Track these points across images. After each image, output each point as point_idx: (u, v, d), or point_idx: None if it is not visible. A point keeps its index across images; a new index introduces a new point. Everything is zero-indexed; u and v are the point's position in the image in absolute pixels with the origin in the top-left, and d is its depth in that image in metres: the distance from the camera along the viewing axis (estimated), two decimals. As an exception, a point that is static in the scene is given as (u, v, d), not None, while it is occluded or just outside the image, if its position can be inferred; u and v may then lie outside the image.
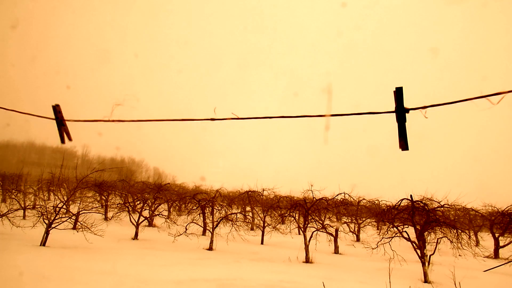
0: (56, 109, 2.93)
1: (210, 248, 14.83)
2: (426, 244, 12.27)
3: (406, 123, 1.61)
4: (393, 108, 1.60)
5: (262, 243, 18.35)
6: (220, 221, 15.62)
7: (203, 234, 18.77)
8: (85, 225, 13.16)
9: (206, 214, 18.64)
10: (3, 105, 3.16)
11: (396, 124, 1.61)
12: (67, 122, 2.97)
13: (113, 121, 2.67)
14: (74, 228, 14.70)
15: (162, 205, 22.40)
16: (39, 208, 13.82)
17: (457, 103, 1.52)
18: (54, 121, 3.00)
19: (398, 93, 1.55)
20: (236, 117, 2.13)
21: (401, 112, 1.55)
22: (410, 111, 1.56)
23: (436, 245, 12.37)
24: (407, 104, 1.56)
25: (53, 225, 12.70)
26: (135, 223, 16.42)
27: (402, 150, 1.66)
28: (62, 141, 2.98)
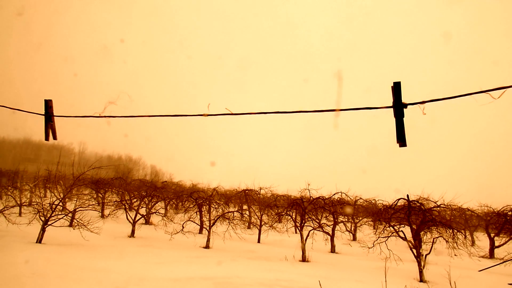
0: (48, 103, 2.89)
1: (207, 246, 14.83)
2: (422, 243, 12.32)
3: (404, 120, 1.59)
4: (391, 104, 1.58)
5: (258, 241, 18.36)
6: (217, 219, 15.62)
7: (200, 233, 18.77)
8: (82, 222, 13.11)
9: (203, 213, 18.62)
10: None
11: (394, 119, 1.59)
12: (56, 121, 2.93)
13: (103, 117, 2.64)
14: (70, 225, 14.65)
15: (159, 203, 22.36)
16: (35, 205, 13.74)
17: (456, 98, 1.51)
18: (40, 115, 2.96)
19: (396, 88, 1.53)
20: (229, 112, 2.11)
21: (399, 107, 1.54)
22: (409, 107, 1.54)
23: (432, 244, 12.42)
24: (405, 99, 1.54)
25: (49, 222, 12.65)
26: (131, 221, 16.38)
27: (400, 146, 1.64)
28: (46, 138, 2.94)
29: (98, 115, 2.57)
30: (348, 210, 19.44)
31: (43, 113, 2.87)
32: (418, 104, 1.49)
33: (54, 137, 2.92)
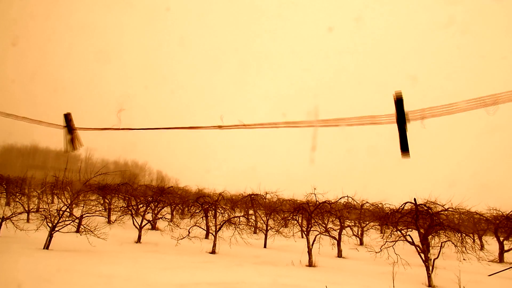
0: (68, 117, 2.97)
1: (213, 252, 14.81)
2: (430, 248, 12.19)
3: (407, 128, 1.61)
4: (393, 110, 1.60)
5: (265, 246, 18.30)
6: (223, 224, 15.60)
7: (206, 238, 18.75)
8: (89, 228, 13.18)
9: (209, 218, 18.62)
10: (8, 112, 3.19)
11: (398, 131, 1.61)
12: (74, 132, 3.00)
13: (121, 129, 2.69)
14: (77, 231, 14.73)
15: (165, 208, 22.38)
16: (42, 212, 13.84)
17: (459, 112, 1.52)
18: (61, 128, 3.03)
19: (399, 102, 1.55)
20: (243, 125, 2.14)
21: (401, 121, 1.56)
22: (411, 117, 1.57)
23: (440, 249, 12.29)
24: (408, 107, 1.55)
25: (56, 228, 12.73)
26: (138, 226, 16.43)
27: (403, 157, 1.66)
28: (68, 150, 3.01)
29: (116, 128, 2.61)
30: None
31: (64, 125, 2.94)
32: (420, 119, 1.50)
33: (74, 148, 2.99)
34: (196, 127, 2.44)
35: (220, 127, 2.28)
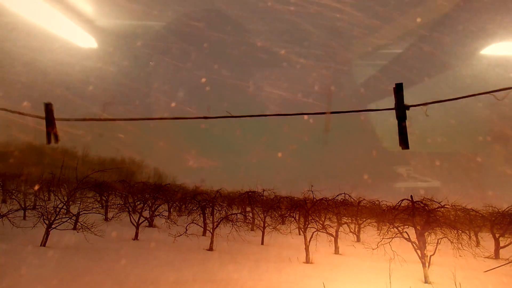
0: (48, 107, 2.89)
1: (210, 249, 14.82)
2: (427, 244, 12.25)
3: (407, 121, 1.58)
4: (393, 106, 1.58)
5: (262, 243, 18.31)
6: (220, 221, 15.60)
7: (203, 235, 18.74)
8: (85, 225, 13.14)
9: (206, 215, 18.62)
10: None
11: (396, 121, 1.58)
12: (57, 124, 2.93)
13: (104, 120, 2.66)
14: (74, 228, 14.69)
15: (162, 205, 22.36)
16: (39, 209, 13.80)
17: (459, 100, 1.51)
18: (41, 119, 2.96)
19: (398, 90, 1.52)
20: (229, 115, 2.11)
21: (401, 109, 1.53)
22: (411, 109, 1.54)
23: (437, 245, 12.34)
24: (407, 101, 1.53)
25: (53, 226, 12.69)
26: (135, 224, 16.40)
27: (402, 148, 1.64)
28: (48, 141, 2.94)
29: (99, 118, 2.58)
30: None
31: (44, 117, 2.88)
32: (421, 106, 1.49)
33: (56, 140, 2.93)
34: (181, 118, 2.42)
35: (205, 117, 2.26)
